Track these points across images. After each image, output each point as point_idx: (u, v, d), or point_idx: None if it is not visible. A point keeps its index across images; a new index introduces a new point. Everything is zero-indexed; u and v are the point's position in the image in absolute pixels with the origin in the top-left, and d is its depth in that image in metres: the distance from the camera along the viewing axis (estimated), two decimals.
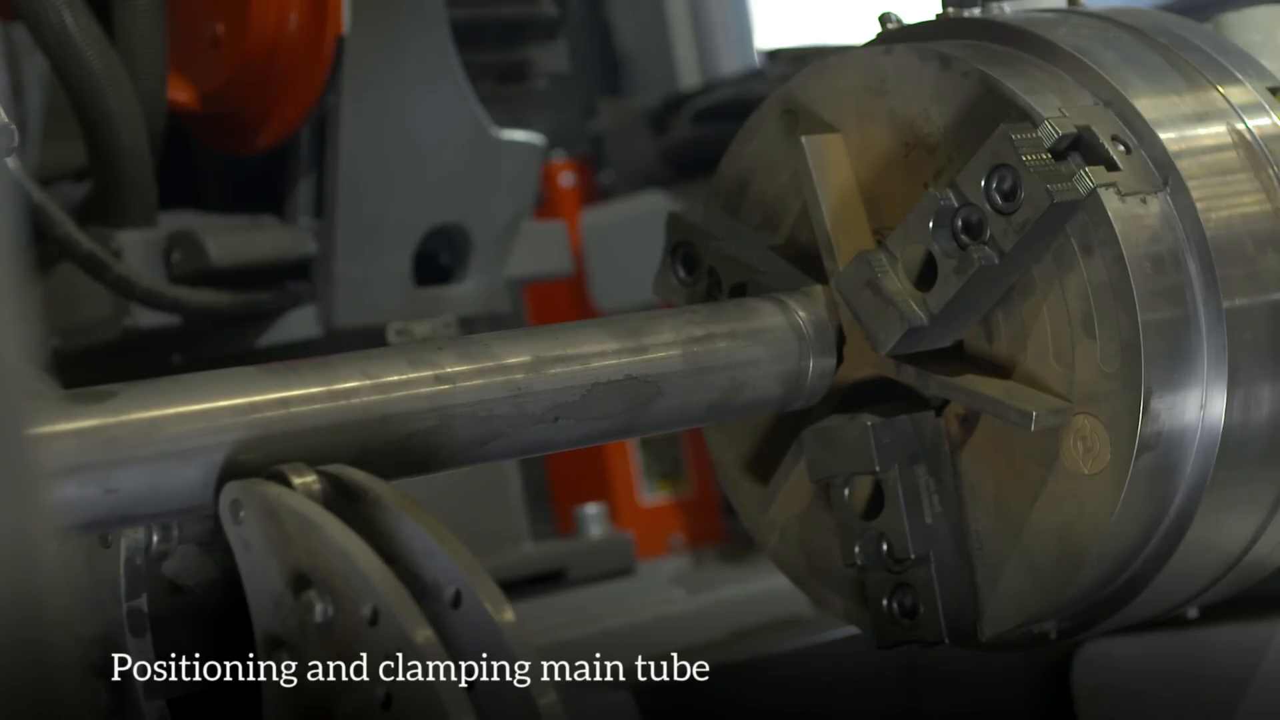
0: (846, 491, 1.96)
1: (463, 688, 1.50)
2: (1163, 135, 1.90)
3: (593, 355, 1.83)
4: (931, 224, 1.88)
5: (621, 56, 4.09)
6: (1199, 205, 1.88)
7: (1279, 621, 2.20)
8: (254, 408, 1.64)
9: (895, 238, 1.91)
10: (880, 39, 2.04)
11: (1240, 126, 1.95)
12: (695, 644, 2.83)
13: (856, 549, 1.96)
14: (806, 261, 2.02)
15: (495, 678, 1.51)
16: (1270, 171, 1.94)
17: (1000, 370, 1.92)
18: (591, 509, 3.18)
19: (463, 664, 1.51)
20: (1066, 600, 1.93)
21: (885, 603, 1.95)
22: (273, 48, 2.69)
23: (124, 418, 1.57)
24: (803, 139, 2.00)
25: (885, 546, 1.94)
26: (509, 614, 1.52)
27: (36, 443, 1.13)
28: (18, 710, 1.03)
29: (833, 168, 2.00)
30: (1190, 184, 1.88)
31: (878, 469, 1.93)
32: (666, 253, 2.09)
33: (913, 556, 1.93)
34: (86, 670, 1.67)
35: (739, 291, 2.03)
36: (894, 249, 1.91)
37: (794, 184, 2.04)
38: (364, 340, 2.81)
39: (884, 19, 2.05)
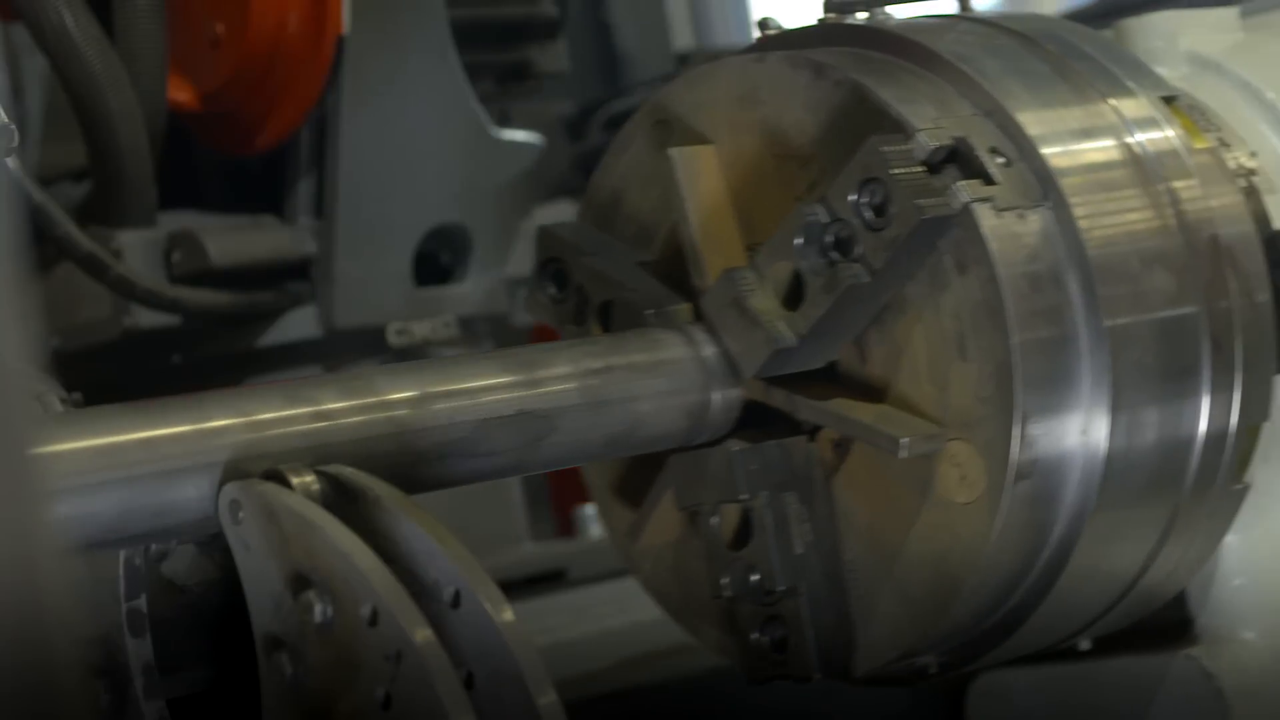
0: (714, 520, 1.88)
1: (462, 688, 1.50)
2: (1044, 149, 1.81)
3: (482, 390, 1.75)
4: (800, 240, 1.79)
5: (622, 56, 4.08)
6: (1081, 222, 1.79)
7: (1174, 653, 2.10)
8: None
9: (763, 254, 1.83)
10: (755, 45, 1.96)
11: (1129, 139, 1.87)
12: (695, 644, 2.83)
13: (725, 580, 1.88)
14: (681, 279, 1.93)
15: (495, 678, 1.51)
16: (1160, 186, 1.86)
17: (874, 393, 1.84)
18: (591, 509, 3.18)
19: (463, 664, 1.52)
20: (942, 633, 1.85)
21: (755, 636, 1.88)
22: (273, 48, 2.69)
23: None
24: (671, 151, 1.91)
25: (754, 577, 1.86)
26: (509, 614, 1.52)
27: (40, 449, 1.14)
28: (18, 710, 1.03)
29: (703, 181, 1.91)
30: (1072, 200, 1.80)
31: (744, 497, 1.85)
32: (536, 269, 2.00)
33: (782, 589, 1.85)
34: (86, 670, 1.67)
35: (606, 310, 1.95)
36: (762, 266, 1.83)
37: (667, 198, 1.94)
38: (364, 340, 2.81)
39: (763, 24, 1.97)
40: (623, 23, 3.74)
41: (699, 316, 1.89)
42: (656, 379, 1.85)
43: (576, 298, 1.97)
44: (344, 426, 1.67)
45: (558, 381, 1.80)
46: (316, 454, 1.64)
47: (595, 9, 3.70)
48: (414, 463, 1.71)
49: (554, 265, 1.99)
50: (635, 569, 2.02)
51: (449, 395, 1.73)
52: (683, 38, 3.74)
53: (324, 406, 1.67)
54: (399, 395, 1.71)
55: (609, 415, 1.82)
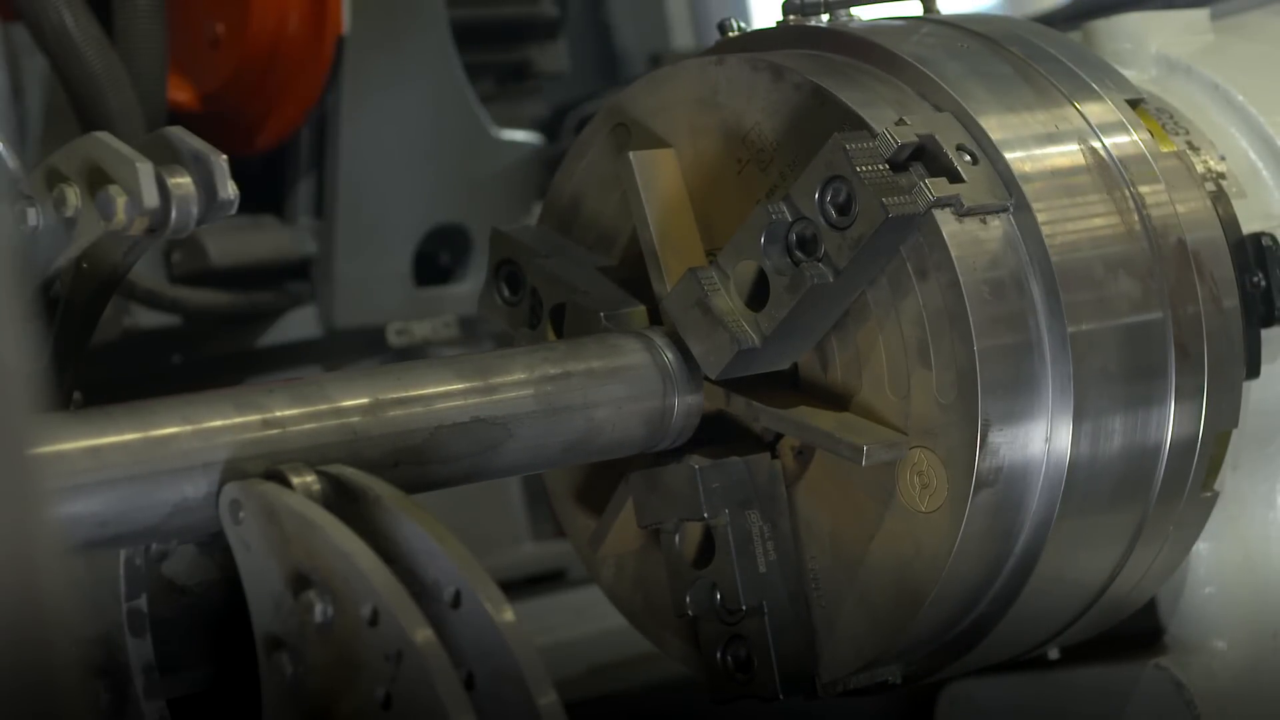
0: (676, 538, 1.85)
1: (462, 688, 1.50)
2: (1007, 153, 1.79)
3: (437, 396, 1.72)
4: (764, 239, 1.76)
5: (622, 56, 4.08)
6: (1044, 228, 1.77)
7: (1144, 663, 2.09)
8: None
9: (726, 254, 1.80)
10: (715, 48, 1.93)
11: (1094, 143, 1.84)
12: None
13: (688, 598, 1.84)
14: (644, 285, 1.89)
15: (495, 678, 1.51)
16: (1125, 191, 1.84)
17: (836, 401, 1.82)
18: None
19: (463, 664, 1.52)
20: (906, 643, 1.82)
21: (719, 656, 1.84)
22: (273, 48, 2.69)
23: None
24: (630, 154, 1.88)
25: (718, 596, 1.82)
26: (509, 614, 1.52)
27: (40, 449, 1.14)
28: (18, 710, 1.03)
29: (662, 185, 1.88)
30: (1035, 205, 1.77)
31: (706, 516, 1.81)
32: (490, 270, 1.97)
33: (745, 607, 1.81)
34: (86, 670, 1.67)
35: (559, 313, 1.91)
36: (725, 266, 1.79)
37: (627, 202, 1.91)
38: (364, 340, 2.81)
39: (723, 26, 1.95)
40: (623, 23, 3.74)
41: (654, 321, 1.87)
42: (615, 385, 1.82)
43: (530, 300, 1.94)
44: (296, 434, 1.64)
45: (514, 388, 1.77)
46: (272, 458, 1.62)
47: (595, 9, 3.70)
48: (368, 470, 1.66)
49: (508, 267, 1.96)
50: (597, 577, 1.99)
51: (403, 402, 1.71)
52: (683, 38, 3.74)
53: (275, 414, 1.64)
54: (352, 402, 1.68)
55: (566, 422, 1.79)
